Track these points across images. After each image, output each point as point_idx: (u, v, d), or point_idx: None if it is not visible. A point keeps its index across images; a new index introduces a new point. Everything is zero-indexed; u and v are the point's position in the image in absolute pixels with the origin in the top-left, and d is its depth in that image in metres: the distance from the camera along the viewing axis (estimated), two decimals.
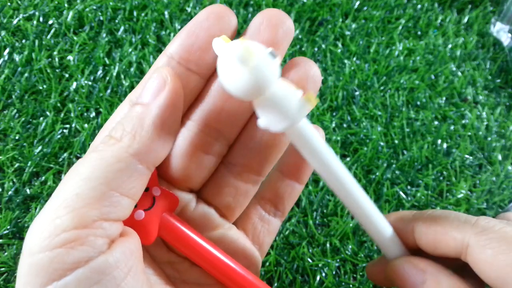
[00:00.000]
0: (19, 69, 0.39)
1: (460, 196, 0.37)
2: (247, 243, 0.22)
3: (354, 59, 0.44)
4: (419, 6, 0.49)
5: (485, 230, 0.18)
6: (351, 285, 0.32)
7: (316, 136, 0.18)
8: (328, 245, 0.34)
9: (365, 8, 0.47)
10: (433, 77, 0.44)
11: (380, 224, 0.21)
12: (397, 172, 0.38)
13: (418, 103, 0.42)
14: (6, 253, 0.31)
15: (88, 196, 0.15)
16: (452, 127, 0.41)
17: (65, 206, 0.15)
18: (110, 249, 0.15)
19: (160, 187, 0.19)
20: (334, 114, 0.40)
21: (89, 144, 0.36)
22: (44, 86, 0.38)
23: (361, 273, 0.33)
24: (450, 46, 0.46)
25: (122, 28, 0.42)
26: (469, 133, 0.41)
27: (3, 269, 0.31)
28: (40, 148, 0.35)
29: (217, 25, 0.18)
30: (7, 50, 0.40)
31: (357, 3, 0.47)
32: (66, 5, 0.43)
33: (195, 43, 0.18)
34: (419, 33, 0.47)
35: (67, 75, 0.39)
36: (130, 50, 0.41)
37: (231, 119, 0.20)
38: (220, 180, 0.21)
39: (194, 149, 0.19)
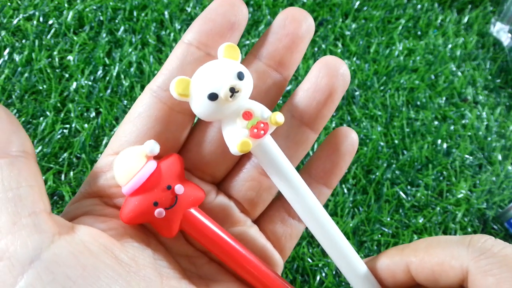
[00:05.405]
0: (19, 69, 0.39)
1: (460, 196, 0.37)
2: (267, 245, 0.21)
3: (354, 59, 0.44)
4: (419, 6, 0.49)
5: (483, 253, 0.17)
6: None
7: (277, 157, 0.19)
8: None
9: (365, 8, 0.47)
10: (433, 77, 0.44)
11: (351, 259, 0.20)
12: (397, 172, 0.38)
13: (418, 103, 0.42)
14: None
15: None
16: (452, 127, 0.41)
17: None
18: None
19: (186, 181, 0.18)
20: (334, 114, 0.40)
21: (89, 144, 0.36)
22: (44, 86, 0.38)
23: None
24: (450, 46, 0.46)
25: (122, 28, 0.42)
26: (469, 133, 0.41)
27: None
28: (40, 148, 0.35)
29: (232, 11, 0.18)
30: (7, 50, 0.40)
31: (357, 3, 0.47)
32: (66, 5, 0.43)
33: (213, 28, 0.18)
34: (419, 33, 0.47)
35: (67, 75, 0.39)
36: (130, 50, 0.41)
37: None
38: (244, 172, 0.20)
39: (221, 137, 0.19)
